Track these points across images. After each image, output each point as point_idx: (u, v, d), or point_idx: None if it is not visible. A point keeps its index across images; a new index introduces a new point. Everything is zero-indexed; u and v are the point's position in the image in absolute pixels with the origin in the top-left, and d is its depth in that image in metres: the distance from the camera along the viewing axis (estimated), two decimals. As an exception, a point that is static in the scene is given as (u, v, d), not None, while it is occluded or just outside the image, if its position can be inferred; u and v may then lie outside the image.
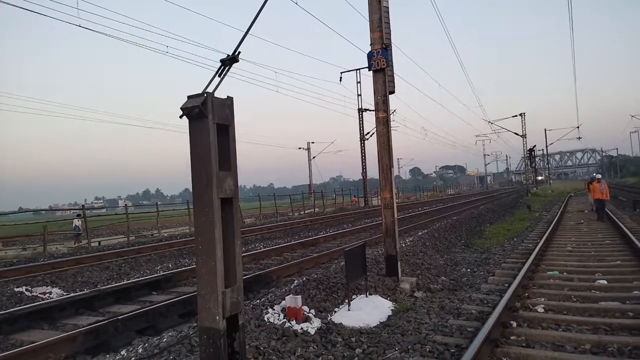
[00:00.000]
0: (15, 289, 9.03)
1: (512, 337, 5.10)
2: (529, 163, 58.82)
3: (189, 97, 4.02)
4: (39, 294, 8.83)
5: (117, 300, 8.08)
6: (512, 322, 5.59)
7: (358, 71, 36.31)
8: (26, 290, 9.04)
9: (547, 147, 68.29)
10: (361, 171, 40.13)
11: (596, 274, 8.26)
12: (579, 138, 62.09)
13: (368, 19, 8.41)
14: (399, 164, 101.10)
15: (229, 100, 4.19)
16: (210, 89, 4.12)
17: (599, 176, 18.34)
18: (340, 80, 32.38)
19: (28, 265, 11.73)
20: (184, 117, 4.07)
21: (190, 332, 5.01)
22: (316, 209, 36.84)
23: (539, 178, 68.29)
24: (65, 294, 8.79)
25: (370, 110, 37.33)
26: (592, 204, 19.19)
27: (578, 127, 57.78)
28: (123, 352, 4.69)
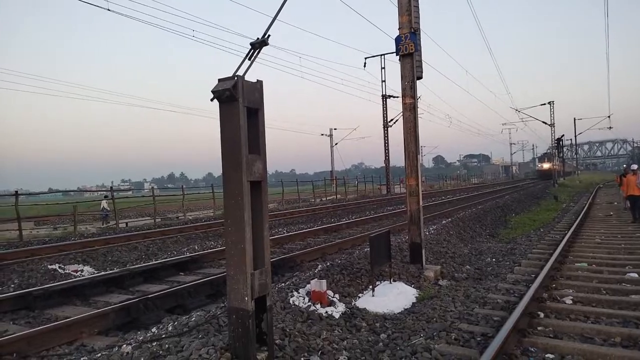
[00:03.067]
0: (49, 266, 9.36)
1: (540, 328, 5.03)
2: (556, 153, 57.33)
3: (219, 80, 4.04)
4: (72, 271, 9.14)
5: (146, 279, 8.30)
6: (539, 312, 5.52)
7: (382, 57, 35.74)
8: (59, 267, 9.36)
9: (575, 136, 66.24)
10: (384, 158, 39.85)
11: (627, 267, 8.07)
12: (610, 128, 59.89)
13: (397, 2, 8.27)
14: (422, 152, 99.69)
15: (259, 83, 4.19)
16: (240, 72, 4.13)
17: (635, 166, 14.71)
18: (365, 66, 31.95)
19: (60, 244, 12.12)
20: (214, 100, 4.10)
21: (218, 312, 5.12)
22: (338, 196, 36.86)
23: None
24: (96, 272, 9.08)
25: (394, 97, 36.94)
26: (625, 202, 15.60)
27: (609, 117, 55.83)
28: (154, 330, 4.82)
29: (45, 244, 12.48)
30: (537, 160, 60.37)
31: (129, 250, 11.70)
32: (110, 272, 8.50)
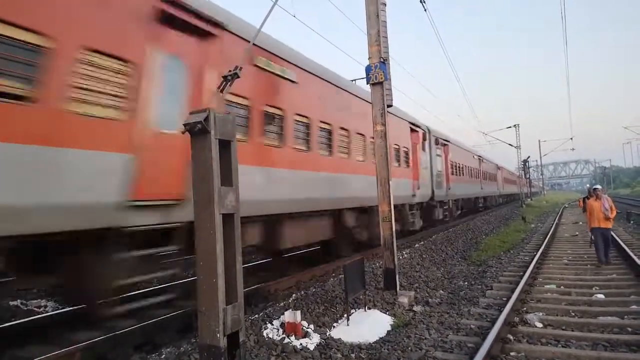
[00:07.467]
0: (10, 303, 8.91)
1: (512, 354, 5.09)
2: (523, 174, 59.09)
3: (191, 113, 4.05)
4: (34, 307, 8.73)
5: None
6: (511, 337, 5.59)
7: (353, 82, 36.45)
8: (21, 303, 8.93)
9: (541, 158, 68.66)
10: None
11: (593, 287, 8.29)
12: (573, 149, 62.63)
13: (366, 33, 8.49)
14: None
15: (231, 116, 4.21)
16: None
17: (599, 187, 11.33)
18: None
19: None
20: (186, 133, 4.09)
21: (189, 348, 4.97)
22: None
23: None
24: (60, 307, 8.69)
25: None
26: (590, 235, 11.04)
27: (572, 139, 58.12)
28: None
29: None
30: None
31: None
32: (76, 307, 8.15)
